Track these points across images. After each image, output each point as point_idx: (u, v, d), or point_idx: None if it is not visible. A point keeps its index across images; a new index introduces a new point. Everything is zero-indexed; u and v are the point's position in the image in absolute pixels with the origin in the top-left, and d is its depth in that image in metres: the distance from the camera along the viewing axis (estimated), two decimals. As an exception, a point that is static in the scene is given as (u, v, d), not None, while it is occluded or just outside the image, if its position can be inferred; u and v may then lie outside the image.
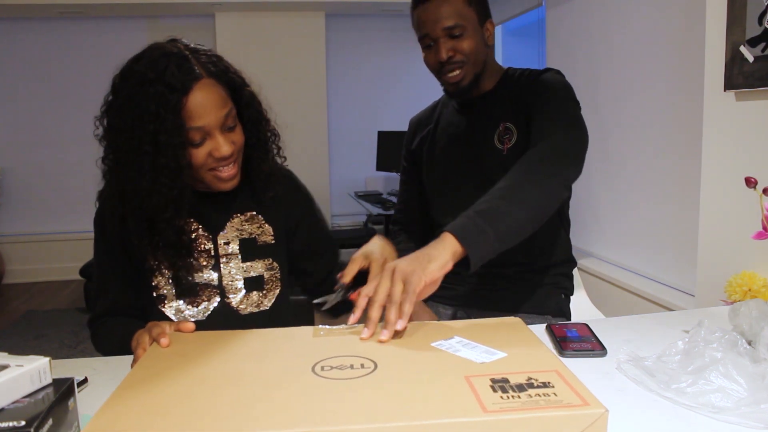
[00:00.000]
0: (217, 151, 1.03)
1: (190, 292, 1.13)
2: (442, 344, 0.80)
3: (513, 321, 0.90)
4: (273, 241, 1.19)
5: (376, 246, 1.06)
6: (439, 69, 1.28)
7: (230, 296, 1.15)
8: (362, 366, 0.72)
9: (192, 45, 1.06)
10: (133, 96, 0.99)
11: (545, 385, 0.65)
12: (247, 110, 1.11)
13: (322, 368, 0.71)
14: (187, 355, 0.77)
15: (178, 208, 1.04)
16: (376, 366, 0.72)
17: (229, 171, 1.07)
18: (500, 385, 0.65)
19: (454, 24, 1.23)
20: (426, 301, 1.33)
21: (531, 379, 0.67)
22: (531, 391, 0.63)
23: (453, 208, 1.32)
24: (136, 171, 1.00)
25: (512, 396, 0.62)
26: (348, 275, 0.99)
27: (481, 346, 0.78)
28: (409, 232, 1.53)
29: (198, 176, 1.06)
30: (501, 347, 0.77)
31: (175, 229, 1.06)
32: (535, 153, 1.14)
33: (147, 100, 0.97)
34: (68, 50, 4.80)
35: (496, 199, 1.04)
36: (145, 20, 4.87)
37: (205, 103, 1.00)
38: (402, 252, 1.12)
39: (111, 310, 1.15)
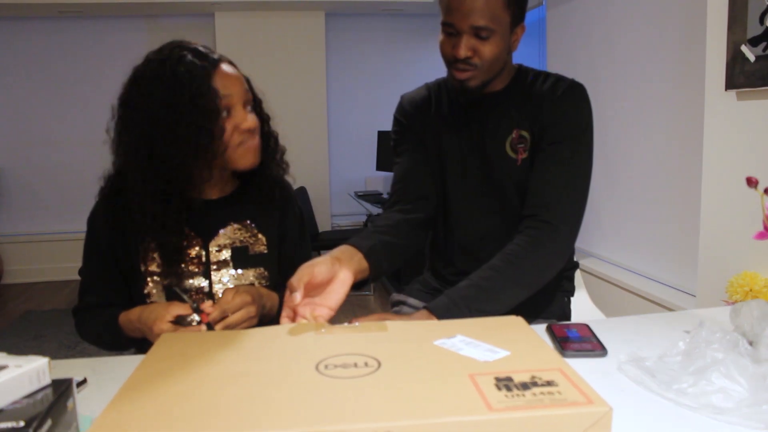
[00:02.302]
0: (244, 123, 1.08)
1: (181, 299, 1.13)
2: (444, 342, 0.80)
3: (514, 320, 0.90)
4: (266, 251, 1.20)
5: (308, 269, 0.99)
6: (451, 61, 1.18)
7: None
8: (366, 364, 0.71)
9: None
10: (169, 66, 1.04)
11: (549, 383, 0.65)
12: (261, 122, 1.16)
13: (326, 366, 0.71)
14: (188, 354, 0.76)
15: (211, 168, 1.10)
16: (379, 364, 0.71)
17: (254, 142, 1.11)
18: (504, 383, 0.65)
19: (484, 25, 1.11)
20: None
21: (535, 377, 0.67)
22: (535, 390, 0.63)
23: (467, 217, 1.30)
24: (173, 135, 1.03)
25: (517, 394, 0.62)
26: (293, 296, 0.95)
27: (483, 345, 0.78)
28: (412, 204, 1.29)
29: (227, 153, 1.09)
30: (503, 346, 0.77)
31: (183, 206, 1.09)
32: (529, 248, 1.12)
33: (179, 70, 1.04)
34: (68, 50, 4.80)
35: (483, 285, 1.08)
36: (145, 20, 4.87)
37: (230, 77, 1.08)
38: (377, 246, 1.11)
39: (96, 305, 1.16)
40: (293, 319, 0.94)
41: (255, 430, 0.56)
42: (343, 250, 1.07)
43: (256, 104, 1.16)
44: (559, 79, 1.23)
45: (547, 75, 1.25)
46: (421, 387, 0.65)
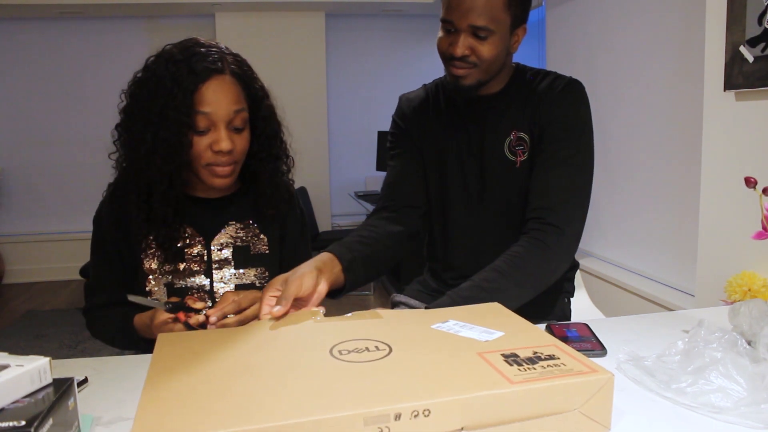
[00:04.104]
0: (217, 144, 1.05)
1: (182, 297, 1.13)
2: (441, 326, 0.82)
3: (494, 306, 0.93)
4: (267, 251, 1.20)
5: (297, 277, 0.99)
6: (448, 58, 1.16)
7: None
8: (377, 348, 0.73)
9: (227, 49, 1.11)
10: (156, 71, 1.05)
11: (551, 357, 0.70)
12: (263, 123, 1.14)
13: (340, 352, 0.72)
14: (197, 351, 0.76)
15: (172, 182, 1.07)
16: (390, 348, 0.73)
17: (224, 169, 1.08)
18: (513, 359, 0.70)
19: (483, 25, 1.09)
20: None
21: (537, 352, 0.71)
22: (542, 363, 0.68)
23: (467, 219, 1.29)
24: (138, 139, 1.04)
25: (528, 368, 0.67)
26: (266, 305, 0.95)
27: (477, 327, 0.81)
28: (398, 212, 1.29)
29: (195, 168, 1.08)
30: (495, 328, 0.80)
31: (170, 202, 1.08)
32: (534, 250, 1.11)
33: (166, 76, 1.03)
34: (68, 50, 4.80)
35: (486, 287, 1.07)
36: (145, 20, 4.87)
37: (218, 94, 1.04)
38: (355, 257, 1.10)
39: (106, 304, 1.16)
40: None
41: (303, 417, 0.57)
42: (325, 261, 1.06)
43: (258, 124, 1.13)
44: (557, 77, 1.22)
45: (546, 73, 1.24)
46: (439, 366, 0.68)
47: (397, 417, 0.58)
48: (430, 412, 0.59)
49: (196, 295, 1.14)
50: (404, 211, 1.28)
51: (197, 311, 0.99)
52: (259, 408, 0.59)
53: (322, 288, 1.01)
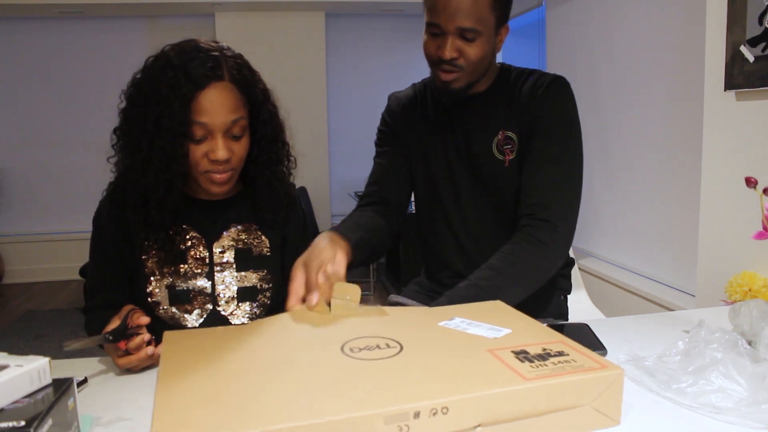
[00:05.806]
0: (213, 153, 1.04)
1: (183, 299, 1.13)
2: (448, 324, 0.82)
3: (497, 304, 0.94)
4: (269, 254, 1.19)
5: (316, 251, 1.02)
6: (435, 62, 1.16)
7: (222, 305, 1.15)
8: (388, 346, 0.74)
9: (229, 50, 1.09)
10: (153, 76, 1.03)
11: (561, 353, 0.71)
12: (263, 127, 1.13)
13: (351, 350, 0.73)
14: (207, 348, 0.76)
15: (168, 189, 1.06)
16: (401, 346, 0.74)
17: (221, 176, 1.07)
18: (523, 356, 0.70)
19: (470, 27, 1.09)
20: None
21: (546, 349, 0.72)
22: (553, 359, 0.69)
23: (460, 219, 1.29)
24: (134, 146, 1.04)
25: (540, 365, 0.68)
26: (293, 294, 0.97)
27: (484, 324, 0.81)
28: (384, 207, 1.33)
29: (193, 175, 1.08)
30: (500, 325, 0.81)
31: (167, 208, 1.07)
32: (529, 247, 1.11)
33: (163, 82, 1.01)
34: (68, 50, 4.80)
35: (483, 285, 1.07)
36: (145, 20, 4.87)
37: (215, 103, 1.02)
38: (354, 244, 1.10)
39: (104, 305, 1.15)
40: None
41: (323, 417, 0.57)
42: (333, 237, 1.07)
43: (259, 127, 1.12)
44: (541, 75, 1.22)
45: (530, 72, 1.24)
46: (452, 364, 0.69)
47: (416, 415, 0.59)
48: (448, 409, 0.60)
49: (197, 299, 1.13)
50: (388, 209, 1.32)
51: (138, 333, 0.92)
52: (278, 408, 0.59)
53: (341, 258, 1.01)
